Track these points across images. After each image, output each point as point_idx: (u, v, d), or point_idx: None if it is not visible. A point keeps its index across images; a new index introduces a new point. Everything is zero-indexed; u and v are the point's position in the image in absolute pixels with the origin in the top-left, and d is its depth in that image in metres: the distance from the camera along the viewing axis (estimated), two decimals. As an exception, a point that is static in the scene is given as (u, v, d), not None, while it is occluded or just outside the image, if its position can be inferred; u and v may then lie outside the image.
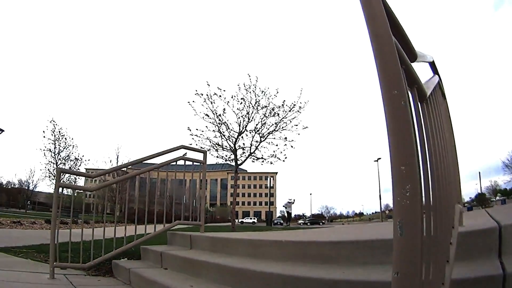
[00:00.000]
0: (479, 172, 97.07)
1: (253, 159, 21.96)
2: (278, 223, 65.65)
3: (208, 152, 7.84)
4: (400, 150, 1.12)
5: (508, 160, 78.39)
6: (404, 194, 1.09)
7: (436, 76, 3.48)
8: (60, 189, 6.23)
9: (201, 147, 17.47)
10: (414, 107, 1.64)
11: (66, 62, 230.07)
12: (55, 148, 42.39)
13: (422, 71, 3.27)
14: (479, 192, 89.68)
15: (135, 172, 7.32)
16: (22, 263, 6.73)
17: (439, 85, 3.53)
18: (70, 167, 43.34)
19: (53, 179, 43.17)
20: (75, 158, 43.88)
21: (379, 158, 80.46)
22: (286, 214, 46.11)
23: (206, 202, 8.01)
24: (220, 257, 5.02)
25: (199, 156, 7.95)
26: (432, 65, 3.80)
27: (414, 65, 1.89)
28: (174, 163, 7.44)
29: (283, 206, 40.74)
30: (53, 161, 42.44)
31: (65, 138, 43.04)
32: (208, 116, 21.07)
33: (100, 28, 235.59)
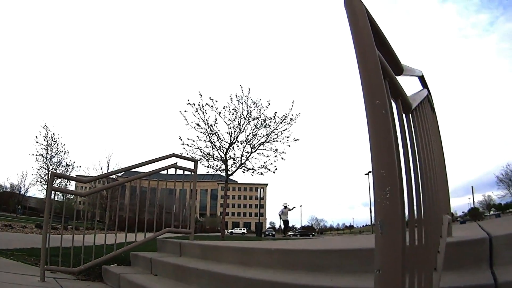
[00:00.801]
0: (472, 186, 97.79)
1: (244, 169, 22.07)
2: (270, 234, 62.24)
3: (199, 162, 7.90)
4: (380, 154, 1.19)
5: (502, 175, 79.30)
6: (384, 196, 1.16)
7: (425, 90, 3.55)
8: (52, 194, 6.27)
9: (192, 157, 17.59)
10: (398, 117, 1.72)
11: (60, 67, 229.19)
12: (47, 153, 42.56)
13: (411, 84, 3.38)
14: (472, 206, 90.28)
15: (125, 179, 7.39)
16: (13, 265, 6.80)
17: (428, 98, 3.63)
18: (61, 173, 43.58)
19: (44, 184, 43.25)
20: (67, 164, 44.01)
21: (370, 171, 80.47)
22: (282, 224, 36.18)
23: (196, 212, 8.03)
24: (210, 264, 5.09)
25: (190, 165, 8.00)
26: (422, 79, 3.91)
27: (401, 78, 1.97)
28: (165, 172, 7.48)
29: (278, 213, 33.63)
30: (45, 167, 42.53)
31: (57, 144, 43.28)
32: (200, 126, 21.20)
33: (93, 35, 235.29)
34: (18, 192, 79.94)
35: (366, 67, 1.31)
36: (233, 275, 4.26)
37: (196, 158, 12.86)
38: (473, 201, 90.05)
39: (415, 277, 1.82)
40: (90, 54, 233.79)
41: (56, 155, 43.32)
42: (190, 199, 8.53)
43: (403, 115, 1.85)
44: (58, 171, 42.31)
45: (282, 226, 37.30)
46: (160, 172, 7.40)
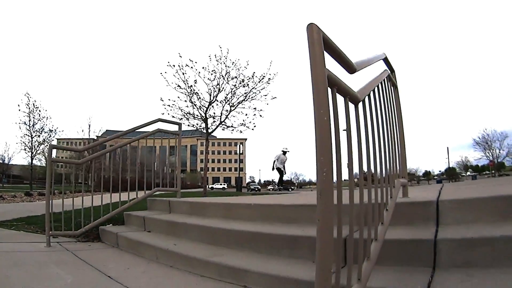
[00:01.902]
0: (447, 147, 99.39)
1: (223, 127, 22.48)
2: (256, 189, 59.43)
3: (178, 126, 8.32)
4: (321, 146, 1.82)
5: (479, 138, 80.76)
6: (321, 174, 1.81)
7: (387, 70, 4.15)
8: (36, 161, 6.61)
9: (173, 117, 17.88)
10: (345, 109, 2.36)
11: (38, 32, 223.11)
12: (29, 120, 42.27)
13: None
14: (449, 166, 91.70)
15: (117, 145, 7.70)
16: (17, 235, 7.15)
17: (389, 77, 4.22)
18: (44, 139, 43.39)
19: (28, 152, 43.14)
20: (50, 130, 43.77)
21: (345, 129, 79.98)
22: (278, 173, 26.19)
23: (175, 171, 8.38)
24: (198, 219, 5.71)
25: (174, 128, 8.48)
26: (385, 60, 4.47)
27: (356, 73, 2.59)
28: (152, 136, 7.96)
29: (274, 159, 24.50)
30: (28, 134, 42.40)
31: (39, 110, 43.33)
32: (180, 87, 21.43)
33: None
34: (2, 161, 78.97)
35: (316, 85, 1.91)
36: (218, 228, 4.94)
37: (178, 118, 13.11)
38: (449, 162, 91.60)
39: (364, 230, 2.48)
40: (69, 17, 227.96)
41: (39, 121, 43.44)
42: (172, 156, 8.99)
43: (352, 105, 2.48)
44: (41, 138, 42.43)
45: (277, 177, 26.28)
46: (146, 138, 7.88)
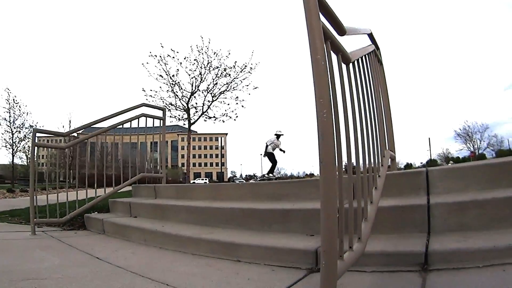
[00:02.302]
0: (429, 138, 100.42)
1: (206, 118, 22.67)
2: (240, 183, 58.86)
3: (161, 112, 8.29)
4: (319, 90, 1.81)
5: (460, 130, 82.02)
6: (321, 116, 1.80)
7: (372, 45, 4.14)
8: (17, 159, 6.51)
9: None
10: (338, 66, 2.35)
11: (16, 26, 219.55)
12: (10, 116, 41.73)
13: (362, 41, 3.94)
14: (430, 158, 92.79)
15: (100, 130, 7.56)
16: (2, 225, 7.09)
17: (375, 53, 4.22)
18: (25, 135, 42.85)
19: (9, 149, 42.62)
20: (30, 125, 43.25)
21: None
22: (269, 160, 20.62)
23: (158, 164, 8.34)
24: (185, 202, 5.66)
25: (158, 115, 8.33)
26: (370, 36, 4.53)
27: (347, 38, 2.58)
28: (136, 121, 7.73)
29: (266, 143, 19.57)
30: (8, 130, 41.88)
31: (19, 106, 42.41)
32: (162, 77, 21.66)
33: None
34: None
35: (312, 34, 1.89)
36: (207, 207, 4.90)
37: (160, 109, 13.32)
38: (431, 153, 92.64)
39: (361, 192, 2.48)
40: (46, 8, 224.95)
41: (19, 117, 42.58)
42: (154, 152, 8.94)
43: (344, 65, 2.48)
44: (22, 134, 41.94)
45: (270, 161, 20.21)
46: (131, 121, 7.68)
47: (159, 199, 6.64)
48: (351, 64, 2.68)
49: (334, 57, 2.30)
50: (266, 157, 19.18)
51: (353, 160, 2.46)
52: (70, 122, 52.13)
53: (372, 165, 2.94)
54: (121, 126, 7.32)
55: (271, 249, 3.37)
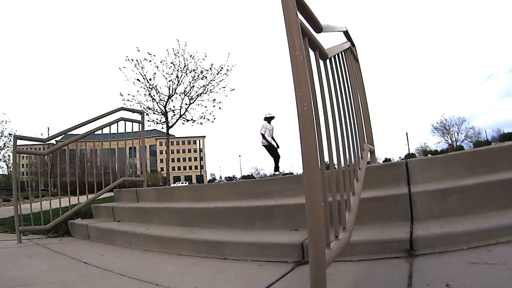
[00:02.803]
0: (406, 133, 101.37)
1: (183, 121, 22.76)
2: None
3: (140, 116, 8.29)
4: (298, 84, 1.88)
5: (437, 123, 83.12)
6: (302, 109, 1.86)
7: (348, 42, 4.24)
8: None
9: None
10: (316, 62, 2.42)
11: None
12: (-13, 125, 41.22)
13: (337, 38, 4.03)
14: (409, 152, 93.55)
15: (80, 135, 7.51)
16: None
17: (351, 50, 4.32)
18: (5, 144, 42.28)
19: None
20: (9, 134, 42.67)
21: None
22: (267, 147, 14.99)
23: (137, 169, 8.28)
24: (168, 204, 5.72)
25: (137, 119, 8.26)
26: (346, 34, 4.63)
27: (323, 35, 2.66)
28: (116, 125, 7.68)
29: (260, 133, 14.70)
30: (-14, 139, 41.36)
31: (-3, 114, 41.91)
32: (139, 81, 21.70)
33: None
34: None
35: (291, 31, 1.96)
36: (190, 207, 4.95)
37: (138, 113, 13.39)
38: (409, 147, 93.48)
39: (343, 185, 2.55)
40: (23, 13, 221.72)
41: (-2, 125, 42.05)
42: (132, 157, 8.94)
43: (321, 61, 2.55)
44: (1, 142, 41.41)
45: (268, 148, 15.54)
46: (110, 126, 7.59)
47: (142, 202, 6.67)
48: (328, 60, 2.76)
49: (312, 54, 2.37)
50: (267, 151, 14.70)
51: (334, 153, 2.52)
52: (48, 129, 51.50)
53: (353, 158, 3.02)
54: (100, 131, 7.27)
55: (257, 245, 3.42)
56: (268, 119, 14.35)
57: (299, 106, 1.88)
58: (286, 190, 4.53)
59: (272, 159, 14.76)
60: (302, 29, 2.07)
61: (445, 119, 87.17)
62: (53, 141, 8.85)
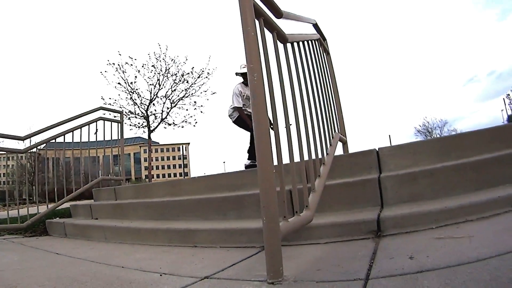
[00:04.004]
0: (389, 135, 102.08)
1: (165, 125, 22.85)
2: None
3: (119, 116, 8.32)
4: (250, 56, 1.97)
5: (420, 126, 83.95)
6: (252, 78, 1.93)
7: (317, 34, 4.36)
8: None
9: (114, 116, 18.35)
10: (274, 44, 2.51)
11: None
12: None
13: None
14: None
15: (59, 133, 7.38)
16: None
17: (320, 42, 4.44)
18: (-19, 150, 41.97)
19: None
20: (-12, 140, 42.29)
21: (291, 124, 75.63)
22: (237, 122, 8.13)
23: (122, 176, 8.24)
24: (144, 199, 5.74)
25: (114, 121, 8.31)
26: (316, 26, 4.75)
27: (293, 25, 2.79)
28: (94, 124, 7.73)
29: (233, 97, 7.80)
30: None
31: (-30, 119, 41.56)
32: (120, 85, 21.82)
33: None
34: None
35: (243, 9, 2.08)
36: (165, 201, 5.01)
37: (119, 117, 13.48)
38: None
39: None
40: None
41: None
42: (115, 166, 8.94)
43: (281, 44, 2.65)
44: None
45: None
46: (89, 125, 7.62)
47: (120, 200, 6.69)
48: (289, 45, 2.86)
49: (270, 35, 2.46)
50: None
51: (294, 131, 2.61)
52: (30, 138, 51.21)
53: (318, 142, 3.10)
54: (79, 131, 7.27)
55: (226, 232, 3.48)
56: (243, 76, 8.30)
57: (250, 76, 1.97)
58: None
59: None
60: (256, 9, 2.20)
61: (428, 122, 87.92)
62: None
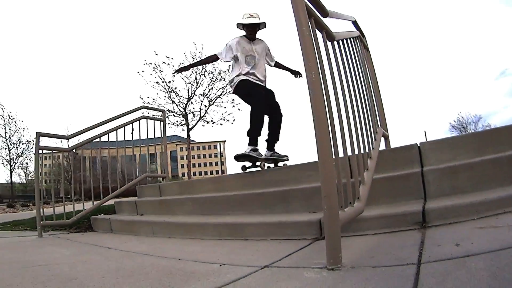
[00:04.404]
0: (424, 131, 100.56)
1: (204, 122, 22.99)
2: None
3: (161, 114, 8.46)
4: (307, 56, 2.08)
5: (455, 121, 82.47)
6: (310, 77, 2.04)
7: (357, 31, 4.44)
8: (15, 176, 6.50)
9: (153, 115, 18.63)
10: (324, 42, 2.62)
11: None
12: (5, 132, 41.75)
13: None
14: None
15: (103, 132, 7.47)
16: (5, 233, 7.21)
17: (360, 38, 4.51)
18: (23, 151, 42.74)
19: (7, 165, 42.51)
20: (27, 141, 43.12)
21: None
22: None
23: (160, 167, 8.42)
24: (190, 195, 5.87)
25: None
26: (355, 23, 4.81)
27: (333, 23, 2.91)
28: (138, 123, 7.82)
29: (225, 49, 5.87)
30: (5, 146, 41.74)
31: (15, 122, 42.53)
32: (158, 84, 22.00)
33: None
34: None
35: (297, 11, 2.19)
36: (210, 196, 5.15)
37: (157, 116, 13.66)
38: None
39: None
40: (39, 20, 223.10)
41: (15, 132, 42.66)
42: (152, 164, 9.06)
43: (329, 42, 2.76)
44: (19, 149, 42.55)
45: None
46: (132, 123, 7.74)
47: (164, 196, 6.76)
48: (335, 42, 2.99)
49: (319, 35, 2.58)
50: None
51: (345, 124, 2.75)
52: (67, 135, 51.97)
53: (365, 137, 3.20)
54: (123, 129, 7.39)
55: (275, 225, 3.59)
56: (248, 28, 6.04)
57: (308, 74, 2.08)
58: (303, 177, 4.63)
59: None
60: (308, 10, 2.30)
61: (462, 117, 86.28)
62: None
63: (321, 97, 2.12)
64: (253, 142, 5.53)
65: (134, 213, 6.46)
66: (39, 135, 6.54)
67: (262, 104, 5.64)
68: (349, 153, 2.79)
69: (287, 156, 5.86)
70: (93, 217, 6.69)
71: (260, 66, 5.97)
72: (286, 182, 4.76)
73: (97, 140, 7.32)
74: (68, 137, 7.17)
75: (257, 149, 5.53)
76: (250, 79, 5.78)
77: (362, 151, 3.08)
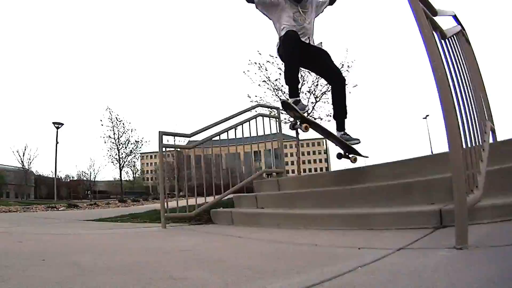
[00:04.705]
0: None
1: (312, 119, 23.19)
2: None
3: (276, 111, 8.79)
4: (432, 55, 2.37)
5: None
6: (438, 74, 2.34)
7: (458, 26, 4.56)
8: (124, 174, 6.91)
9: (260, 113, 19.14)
10: (439, 40, 2.90)
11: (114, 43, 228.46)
12: (114, 134, 45.12)
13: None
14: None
15: (222, 130, 7.78)
16: (128, 224, 7.86)
17: (462, 33, 4.64)
18: (131, 151, 45.65)
19: (116, 164, 45.82)
20: (135, 141, 45.77)
21: (427, 115, 63.32)
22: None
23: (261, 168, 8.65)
24: (309, 189, 6.08)
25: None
26: (455, 17, 4.92)
27: (438, 18, 3.13)
28: (254, 121, 8.20)
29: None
30: (114, 147, 45.33)
31: (123, 123, 45.90)
32: (266, 82, 22.81)
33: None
34: (86, 179, 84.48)
35: (418, 15, 2.52)
36: (331, 190, 5.49)
37: (268, 112, 14.08)
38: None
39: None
40: (147, 24, 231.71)
41: (123, 134, 45.92)
42: (256, 161, 9.33)
43: (442, 41, 3.06)
44: (127, 149, 45.95)
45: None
46: (249, 121, 8.10)
47: (283, 190, 6.92)
48: (447, 40, 3.29)
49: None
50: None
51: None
52: (174, 137, 53.64)
53: (478, 130, 3.42)
54: (240, 127, 7.93)
55: (399, 215, 3.81)
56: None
57: (435, 73, 2.37)
58: (423, 171, 4.70)
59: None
60: (425, 12, 2.60)
61: None
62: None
63: (449, 93, 2.43)
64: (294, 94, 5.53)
65: (254, 206, 6.65)
66: (162, 134, 7.10)
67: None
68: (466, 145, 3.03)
69: (358, 139, 5.70)
70: (213, 210, 6.95)
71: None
72: (406, 175, 4.85)
73: (217, 138, 7.76)
74: (189, 135, 7.56)
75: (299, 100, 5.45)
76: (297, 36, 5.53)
77: (476, 144, 3.29)
